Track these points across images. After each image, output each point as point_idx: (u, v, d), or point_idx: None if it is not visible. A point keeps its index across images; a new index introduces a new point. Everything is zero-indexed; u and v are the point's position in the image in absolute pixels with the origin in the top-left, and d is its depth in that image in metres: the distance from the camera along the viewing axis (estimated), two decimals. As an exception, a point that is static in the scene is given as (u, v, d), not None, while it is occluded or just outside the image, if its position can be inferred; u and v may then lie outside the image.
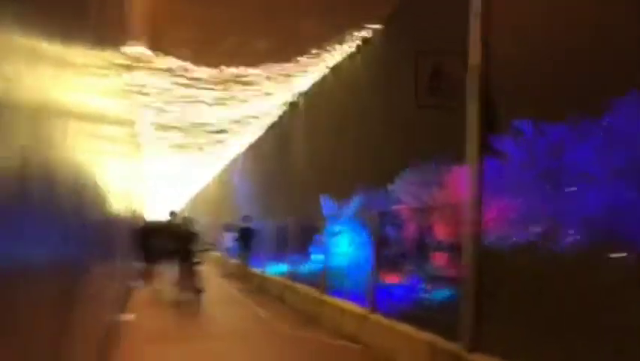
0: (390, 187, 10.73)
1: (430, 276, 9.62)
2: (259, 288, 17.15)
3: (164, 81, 11.08)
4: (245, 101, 12.78)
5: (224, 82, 11.08)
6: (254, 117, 16.46)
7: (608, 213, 6.00)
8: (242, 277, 17.73)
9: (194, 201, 47.11)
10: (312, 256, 14.90)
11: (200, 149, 19.74)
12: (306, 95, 15.80)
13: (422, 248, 9.75)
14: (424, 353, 7.28)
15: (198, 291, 13.29)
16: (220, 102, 12.72)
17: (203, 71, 10.41)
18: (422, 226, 10.04)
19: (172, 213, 16.46)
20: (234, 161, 27.08)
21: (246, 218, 18.16)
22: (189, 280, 13.42)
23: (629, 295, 5.21)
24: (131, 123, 13.64)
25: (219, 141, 18.72)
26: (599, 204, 6.10)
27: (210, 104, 12.82)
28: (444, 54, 6.67)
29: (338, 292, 11.85)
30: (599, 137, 6.32)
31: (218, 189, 34.05)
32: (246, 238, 17.55)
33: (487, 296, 6.53)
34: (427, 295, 9.64)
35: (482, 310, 6.52)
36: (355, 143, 13.32)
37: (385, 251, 10.53)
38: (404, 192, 10.62)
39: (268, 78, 11.13)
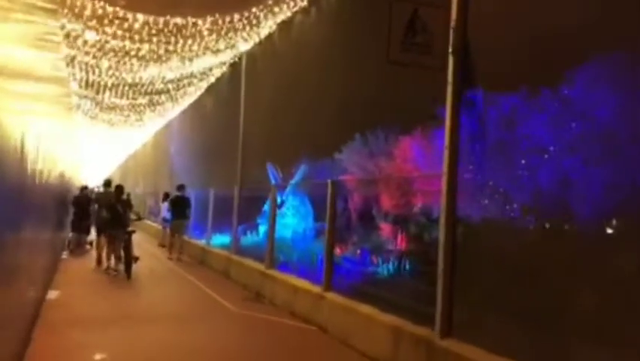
0: (337, 156, 10.23)
1: (380, 250, 9.27)
2: (201, 261, 16.18)
3: (93, 31, 9.71)
4: (185, 57, 11.55)
5: (163, 34, 9.82)
6: (192, 77, 15.20)
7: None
8: (179, 248, 16.70)
9: (127, 167, 45.01)
10: (260, 228, 14.14)
11: (134, 110, 18.25)
12: (249, 54, 14.69)
13: (370, 221, 9.39)
14: (388, 337, 6.62)
15: (131, 260, 12.73)
16: (157, 58, 11.44)
17: (140, 20, 9.12)
18: (370, 198, 9.75)
19: (107, 183, 15.24)
20: (171, 124, 25.62)
21: (180, 187, 17.38)
22: (122, 250, 12.92)
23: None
24: (60, 81, 12.20)
25: (155, 103, 17.33)
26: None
27: (147, 60, 11.51)
28: (421, 4, 5.84)
29: (286, 267, 11.13)
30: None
31: (154, 154, 32.40)
32: (179, 207, 16.73)
33: (461, 279, 5.91)
34: (384, 273, 9.10)
35: (455, 293, 5.89)
36: (303, 107, 12.51)
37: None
38: (351, 162, 10.20)
39: (211, 31, 9.94)
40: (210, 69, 14.51)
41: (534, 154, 6.00)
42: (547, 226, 5.81)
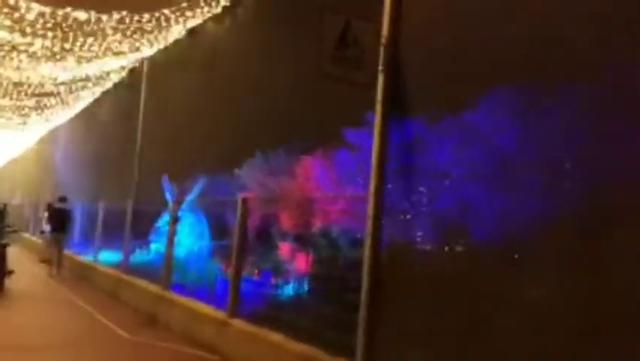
0: (237, 172, 9.94)
1: (281, 271, 8.91)
2: (86, 278, 14.88)
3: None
4: (82, 58, 10.54)
5: (61, 29, 8.82)
6: (87, 80, 14.07)
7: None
8: (57, 263, 15.60)
9: (3, 174, 41.41)
10: (152, 246, 13.25)
11: (18, 113, 16.63)
12: (152, 60, 13.85)
13: (269, 240, 9.01)
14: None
15: (5, 273, 12.14)
16: (50, 56, 10.34)
17: (34, 11, 8.08)
18: (268, 216, 9.34)
19: None
20: (58, 131, 23.76)
21: (61, 198, 16.44)
22: None
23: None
24: None
25: (42, 106, 15.87)
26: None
27: (38, 58, 10.37)
28: (354, 16, 5.57)
29: (182, 288, 10.38)
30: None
31: (37, 161, 29.97)
32: (59, 219, 15.74)
33: (385, 305, 5.63)
34: (289, 295, 8.71)
35: (379, 321, 5.59)
36: (207, 121, 11.98)
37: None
38: (251, 179, 9.92)
39: (115, 30, 9.08)
40: (108, 73, 13.48)
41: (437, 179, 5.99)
42: (446, 249, 5.80)
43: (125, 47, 10.46)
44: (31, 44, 9.55)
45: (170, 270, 10.61)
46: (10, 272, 12.41)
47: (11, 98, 14.81)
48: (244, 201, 8.37)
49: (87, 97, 16.53)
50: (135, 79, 14.84)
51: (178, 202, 10.93)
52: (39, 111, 16.58)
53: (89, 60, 10.91)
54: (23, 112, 16.49)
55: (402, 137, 5.98)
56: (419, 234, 5.99)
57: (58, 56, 10.27)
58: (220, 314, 8.20)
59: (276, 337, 6.80)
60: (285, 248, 9.07)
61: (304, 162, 8.69)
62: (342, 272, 7.77)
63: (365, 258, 5.65)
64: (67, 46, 9.69)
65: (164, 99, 13.58)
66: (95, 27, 8.83)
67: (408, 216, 6.01)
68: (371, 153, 7.08)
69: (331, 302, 6.82)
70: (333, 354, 5.90)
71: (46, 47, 9.70)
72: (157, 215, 12.60)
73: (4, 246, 12.57)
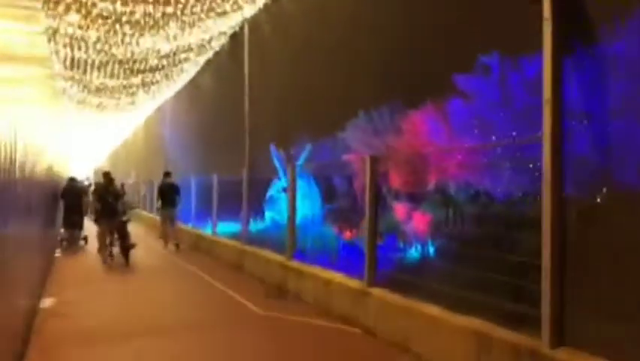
0: (340, 135, 9.79)
1: (402, 234, 8.35)
2: (208, 252, 14.80)
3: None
4: (185, 23, 10.01)
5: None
6: (189, 50, 13.67)
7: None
8: (173, 237, 15.92)
9: (118, 156, 43.33)
10: (267, 214, 12.87)
11: (127, 92, 16.69)
12: (253, 21, 13.19)
13: (381, 201, 8.36)
14: (468, 345, 5.29)
15: (129, 247, 12.89)
16: (153, 25, 9.89)
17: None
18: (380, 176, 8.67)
19: (105, 174, 14.54)
20: (164, 108, 24.04)
21: (166, 174, 16.58)
22: (119, 240, 13.14)
23: None
24: (44, 61, 10.71)
25: (148, 83, 15.78)
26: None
27: (142, 27, 9.95)
28: None
29: (303, 256, 9.84)
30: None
31: (146, 141, 30.80)
32: (167, 195, 16.01)
33: (573, 274, 4.57)
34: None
35: (567, 291, 4.56)
36: (307, 84, 11.39)
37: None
38: (355, 140, 9.73)
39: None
40: (209, 40, 12.98)
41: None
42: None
43: (226, 6, 9.79)
44: (132, 13, 9.12)
45: (294, 238, 10.03)
46: (133, 245, 13.00)
47: (118, 78, 14.76)
48: (373, 160, 7.49)
49: (190, 69, 16.23)
50: (237, 45, 14.29)
51: (292, 167, 10.27)
52: (145, 88, 16.53)
53: (191, 25, 10.37)
54: (131, 90, 16.51)
55: (580, 63, 4.80)
56: (615, 184, 4.81)
57: (160, 23, 9.80)
58: (355, 283, 7.49)
59: (432, 309, 5.95)
60: (400, 209, 8.61)
61: (412, 117, 8.29)
62: (485, 230, 6.77)
63: (544, 215, 4.63)
64: (168, 10, 9.17)
65: (267, 64, 12.96)
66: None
67: (595, 164, 4.83)
68: (486, 100, 7.15)
69: (482, 266, 5.85)
70: (512, 329, 4.96)
71: (148, 14, 9.24)
72: (268, 183, 12.47)
73: (126, 222, 13.18)
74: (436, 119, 8.12)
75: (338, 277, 8.10)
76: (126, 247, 12.77)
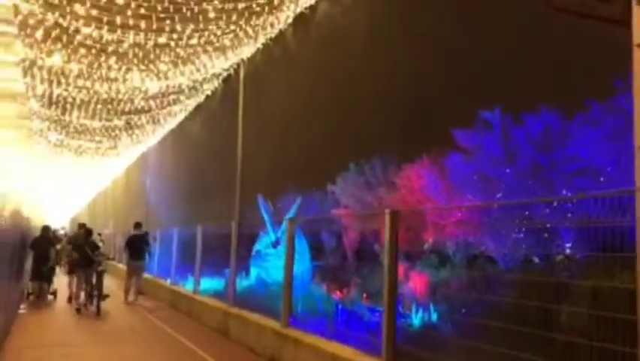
0: (330, 188, 9.78)
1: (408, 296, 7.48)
2: (187, 313, 13.38)
3: (56, 13, 7.08)
4: (179, 57, 9.02)
5: (156, 15, 7.25)
6: (179, 92, 12.71)
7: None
8: (136, 291, 15.40)
9: (96, 205, 41.77)
10: (253, 271, 11.92)
11: (108, 135, 15.57)
12: (249, 62, 12.33)
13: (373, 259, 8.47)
14: None
15: (101, 297, 12.96)
16: (142, 58, 8.88)
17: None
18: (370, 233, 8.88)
19: (81, 225, 14.68)
20: (147, 155, 22.94)
21: (136, 225, 16.03)
22: (94, 290, 13.19)
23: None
24: (18, 97, 9.65)
25: (133, 126, 14.71)
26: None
27: (129, 60, 8.91)
28: None
29: (300, 323, 8.56)
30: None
31: (126, 190, 29.53)
32: (135, 246, 15.51)
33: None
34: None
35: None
36: (306, 130, 11.00)
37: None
38: (345, 194, 9.69)
39: (220, 14, 7.39)
40: (202, 82, 12.03)
41: None
42: None
43: (226, 41, 8.84)
44: (121, 42, 8.10)
45: (291, 301, 8.78)
46: (106, 296, 13.09)
47: (101, 119, 13.70)
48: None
49: (178, 113, 15.24)
50: (231, 89, 13.41)
51: (291, 222, 9.17)
52: (129, 132, 15.45)
53: (184, 61, 9.39)
54: (113, 133, 15.42)
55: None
56: None
57: (151, 56, 8.81)
58: (368, 359, 6.24)
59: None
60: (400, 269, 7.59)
61: (407, 172, 8.17)
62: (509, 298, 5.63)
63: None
64: (161, 40, 8.19)
65: (263, 109, 12.13)
66: (196, 8, 7.19)
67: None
68: (489, 155, 6.98)
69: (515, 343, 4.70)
70: None
71: (138, 44, 8.24)
72: (253, 237, 11.74)
73: (102, 273, 13.31)
74: (432, 173, 7.88)
75: (346, 351, 6.84)
76: (99, 297, 12.83)
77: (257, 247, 11.73)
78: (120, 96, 11.82)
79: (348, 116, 9.69)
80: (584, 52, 6.37)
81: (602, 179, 6.08)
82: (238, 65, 12.24)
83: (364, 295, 8.23)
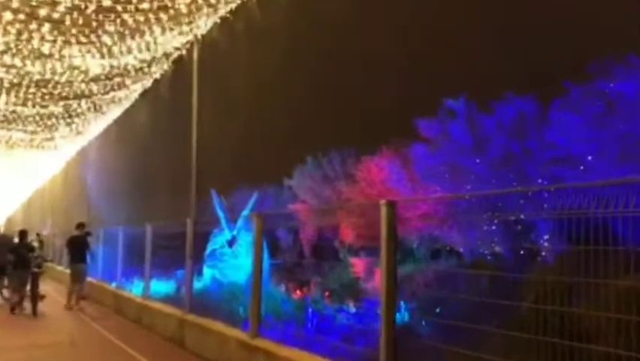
0: (287, 182, 9.58)
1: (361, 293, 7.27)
2: (136, 320, 12.06)
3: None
4: (126, 26, 7.67)
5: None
6: (124, 75, 11.32)
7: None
8: (77, 296, 14.29)
9: (32, 204, 39.45)
10: (207, 271, 11.10)
11: (44, 124, 13.94)
12: (204, 41, 11.08)
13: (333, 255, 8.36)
14: None
15: (37, 299, 13.03)
16: (81, 28, 7.49)
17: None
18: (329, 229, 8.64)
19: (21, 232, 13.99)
20: (88, 148, 21.35)
21: (78, 225, 15.07)
22: (28, 291, 13.14)
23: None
24: None
25: (72, 113, 13.16)
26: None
27: (66, 30, 7.50)
28: None
29: (275, 332, 7.48)
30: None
31: (66, 187, 27.80)
32: (76, 248, 14.54)
33: None
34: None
35: None
36: (267, 124, 10.45)
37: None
38: (302, 188, 9.47)
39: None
40: (150, 63, 10.69)
41: None
42: None
43: (182, 5, 7.55)
44: (56, 3, 6.68)
45: (259, 308, 7.65)
46: (42, 297, 13.28)
47: (34, 105, 12.11)
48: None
49: (124, 100, 13.80)
50: (183, 71, 12.16)
51: (259, 218, 8.10)
52: (68, 120, 13.87)
53: (133, 32, 8.06)
54: (50, 122, 13.80)
55: None
56: None
57: (93, 24, 7.43)
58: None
59: None
60: (359, 264, 7.69)
61: (366, 164, 7.94)
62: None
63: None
64: (106, 3, 6.84)
65: (221, 93, 11.08)
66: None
67: None
68: (457, 145, 6.76)
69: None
70: None
71: (77, 8, 6.82)
72: (207, 235, 11.01)
73: (38, 274, 13.43)
74: (396, 165, 7.59)
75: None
76: (35, 297, 12.93)
77: (211, 246, 11.00)
78: (57, 78, 10.34)
79: (306, 108, 9.36)
80: (560, 33, 6.21)
81: (581, 167, 5.75)
82: (192, 44, 10.98)
83: (326, 293, 7.78)
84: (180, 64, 12.27)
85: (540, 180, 6.09)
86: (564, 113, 6.21)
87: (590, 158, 5.82)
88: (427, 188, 7.13)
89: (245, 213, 9.85)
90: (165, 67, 12.22)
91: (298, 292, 8.49)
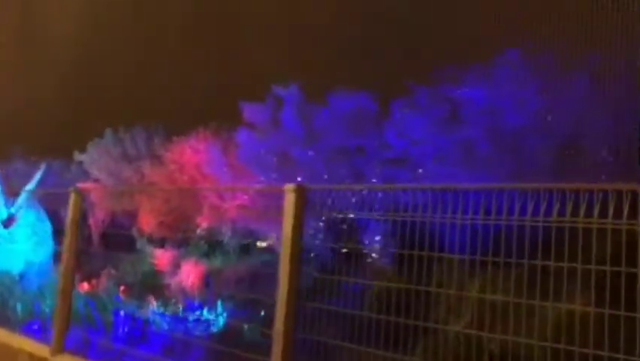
0: (78, 156, 9.06)
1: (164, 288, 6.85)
2: None
3: None
4: None
5: None
6: None
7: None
8: None
9: None
10: None
11: None
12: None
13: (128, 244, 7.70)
14: None
15: None
16: None
17: None
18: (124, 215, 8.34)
19: None
20: None
21: None
22: None
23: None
24: None
25: None
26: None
27: None
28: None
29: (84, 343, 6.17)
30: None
31: None
32: None
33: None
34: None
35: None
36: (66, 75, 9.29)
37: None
38: (97, 165, 8.99)
39: None
40: None
41: None
42: None
43: None
44: None
45: (69, 314, 6.12)
46: None
47: None
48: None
49: None
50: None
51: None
52: None
53: None
54: None
55: None
56: None
57: None
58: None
59: None
60: (164, 257, 7.20)
61: (178, 145, 7.77)
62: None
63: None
64: None
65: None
66: None
67: None
68: (286, 134, 6.73)
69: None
70: None
71: None
72: None
73: None
74: (216, 150, 7.39)
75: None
76: None
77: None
78: None
79: (110, 70, 8.56)
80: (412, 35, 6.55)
81: (420, 170, 5.87)
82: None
83: (122, 287, 7.14)
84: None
85: (374, 180, 6.04)
86: (407, 114, 6.20)
87: (428, 160, 5.84)
88: (250, 176, 6.90)
89: (29, 187, 8.66)
90: None
91: (85, 284, 7.59)
